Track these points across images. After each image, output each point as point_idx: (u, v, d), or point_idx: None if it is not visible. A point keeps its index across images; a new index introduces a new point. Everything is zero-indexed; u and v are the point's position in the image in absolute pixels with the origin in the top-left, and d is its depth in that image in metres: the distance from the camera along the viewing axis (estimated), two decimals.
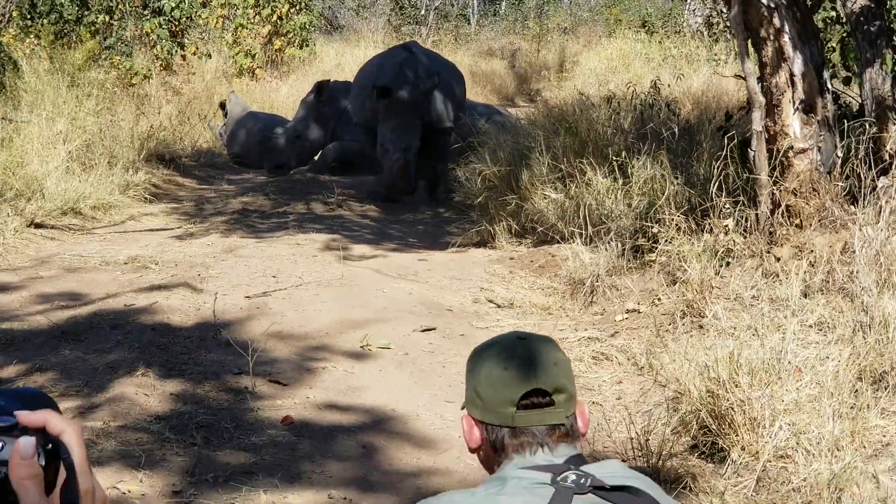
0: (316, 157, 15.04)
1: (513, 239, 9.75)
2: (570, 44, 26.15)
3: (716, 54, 17.72)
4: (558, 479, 2.35)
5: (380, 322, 7.39)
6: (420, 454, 5.38)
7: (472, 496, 2.36)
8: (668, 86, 12.78)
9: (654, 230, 8.03)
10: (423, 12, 29.70)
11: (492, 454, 2.48)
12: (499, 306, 7.92)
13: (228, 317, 7.36)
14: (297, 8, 21.95)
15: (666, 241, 7.83)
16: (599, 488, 2.33)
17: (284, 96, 19.14)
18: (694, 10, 22.48)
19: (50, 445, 1.30)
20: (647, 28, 21.98)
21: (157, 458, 5.07)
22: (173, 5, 18.26)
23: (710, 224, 7.68)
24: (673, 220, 7.97)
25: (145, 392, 5.87)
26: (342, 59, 22.68)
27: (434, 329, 7.35)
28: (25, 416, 1.34)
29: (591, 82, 16.73)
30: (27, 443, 1.29)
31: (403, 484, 5.04)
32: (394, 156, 12.26)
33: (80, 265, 8.82)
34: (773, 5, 7.29)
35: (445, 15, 30.86)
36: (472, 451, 2.53)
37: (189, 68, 19.45)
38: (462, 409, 2.53)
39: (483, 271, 9.00)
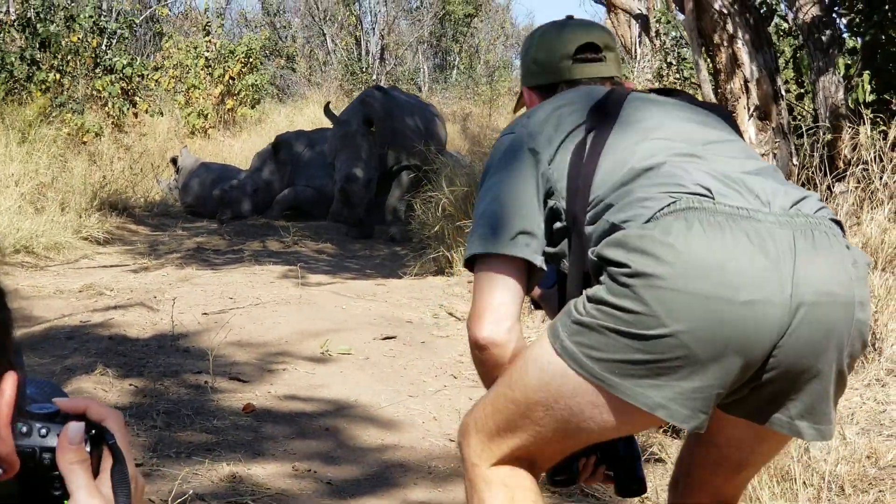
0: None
1: None
2: (522, 107, 26.37)
3: None
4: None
5: (339, 332, 7.37)
6: (384, 434, 5.35)
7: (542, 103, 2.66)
8: None
9: None
10: (374, 77, 29.94)
11: None
12: (458, 319, 7.93)
13: (186, 329, 7.31)
14: (249, 67, 22.07)
15: None
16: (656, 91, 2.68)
17: (237, 152, 19.18)
18: (644, 69, 22.77)
19: (93, 431, 1.31)
20: None
21: None
22: (125, 63, 18.30)
23: None
24: None
25: (104, 388, 5.81)
26: (293, 119, 22.76)
27: (394, 337, 7.34)
28: (66, 403, 1.34)
29: None
30: (76, 428, 1.29)
31: (367, 458, 5.01)
32: (337, 185, 12.72)
33: (34, 294, 8.72)
34: (725, 12, 7.44)
35: (397, 80, 31.11)
36: None
37: (141, 128, 19.46)
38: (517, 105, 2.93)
39: (442, 292, 9.02)
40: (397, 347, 7.15)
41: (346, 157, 12.75)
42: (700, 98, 7.87)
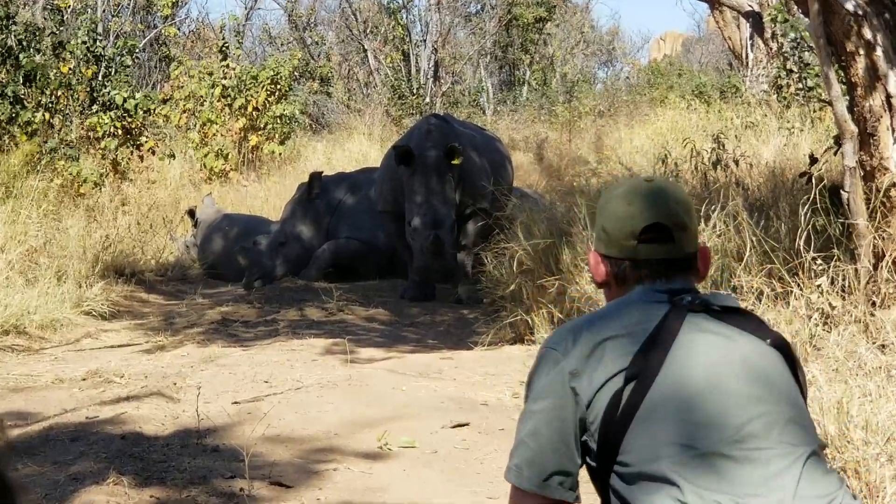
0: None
1: None
2: (608, 129, 26.41)
3: (788, 121, 17.88)
4: (674, 298, 3.14)
5: (400, 419, 7.41)
6: None
7: (592, 314, 3.25)
8: (737, 145, 12.91)
9: None
10: (427, 100, 30.13)
11: (615, 288, 3.28)
12: None
13: (214, 423, 7.36)
14: (276, 96, 22.29)
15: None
16: (711, 309, 3.10)
17: (264, 199, 19.34)
18: (758, 77, 22.74)
19: None
20: (703, 98, 22.27)
21: None
22: (126, 96, 18.51)
23: (798, 285, 7.71)
24: (752, 285, 8.01)
25: (118, 501, 5.87)
26: (332, 156, 22.94)
27: (467, 424, 7.36)
28: None
29: (639, 162, 16.90)
30: None
31: None
32: (423, 233, 12.73)
33: (28, 384, 8.82)
34: (860, 13, 7.41)
35: (455, 102, 31.30)
36: (598, 285, 3.35)
37: (148, 174, 19.67)
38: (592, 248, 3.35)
39: (522, 366, 9.01)
40: (471, 437, 7.16)
41: (427, 196, 12.89)
42: (835, 114, 7.86)
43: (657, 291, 3.18)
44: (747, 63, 23.76)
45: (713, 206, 9.16)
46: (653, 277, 3.22)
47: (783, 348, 3.13)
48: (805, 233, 7.71)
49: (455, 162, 12.87)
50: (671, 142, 17.97)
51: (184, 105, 22.64)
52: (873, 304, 7.54)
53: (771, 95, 20.33)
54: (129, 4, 26.73)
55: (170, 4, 27.74)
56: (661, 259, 3.23)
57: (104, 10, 24.56)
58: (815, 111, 17.75)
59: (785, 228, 8.64)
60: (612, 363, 3.03)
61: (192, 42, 32.16)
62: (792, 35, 18.60)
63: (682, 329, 3.06)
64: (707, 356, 3.03)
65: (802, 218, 7.81)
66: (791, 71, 19.08)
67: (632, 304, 3.18)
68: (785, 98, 19.07)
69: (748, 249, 8.43)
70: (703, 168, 11.08)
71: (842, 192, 7.69)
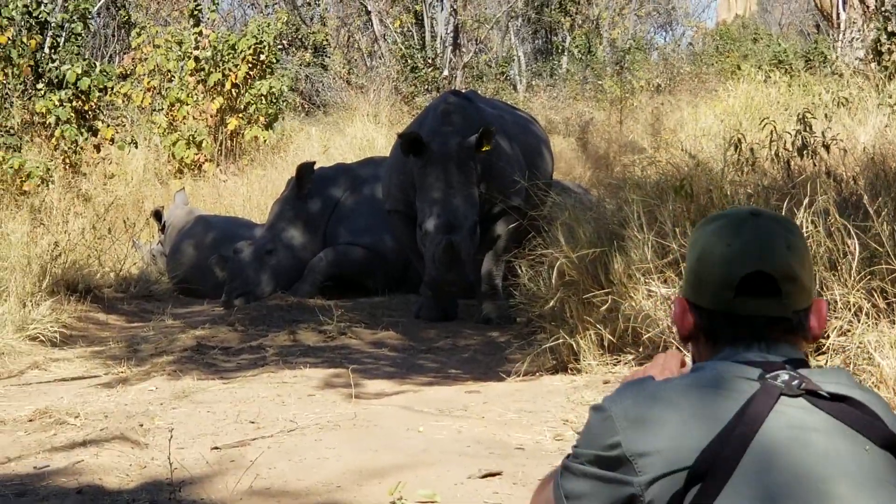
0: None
1: (606, 355, 9.78)
2: (667, 108, 26.40)
3: (891, 96, 17.85)
4: (767, 376, 2.99)
5: (417, 467, 7.41)
6: None
7: (665, 384, 3.05)
8: (827, 127, 12.91)
9: None
10: (444, 74, 30.09)
11: (703, 345, 3.18)
12: None
13: (190, 473, 7.38)
14: (260, 69, 22.28)
15: (840, 331, 7.85)
16: (813, 394, 2.91)
17: (246, 196, 19.34)
18: (852, 41, 22.73)
19: None
20: (784, 68, 22.25)
21: None
22: (79, 72, 18.51)
23: None
24: (849, 300, 8.01)
25: None
26: (330, 142, 22.93)
27: (499, 474, 7.36)
28: None
29: (706, 149, 16.90)
30: None
31: None
32: (435, 239, 12.58)
33: None
34: None
35: (480, 76, 31.26)
36: (683, 339, 3.24)
37: (105, 167, 19.66)
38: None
39: (566, 400, 9.04)
40: (504, 489, 7.16)
41: (443, 193, 12.76)
42: None
43: (749, 364, 3.02)
44: (839, 24, 23.75)
45: (799, 202, 9.16)
46: (749, 340, 3.07)
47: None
48: None
49: (485, 149, 12.72)
50: (745, 123, 17.99)
51: (148, 81, 22.65)
52: None
53: (869, 64, 20.31)
54: None
55: None
56: (763, 317, 3.08)
57: None
58: None
59: (889, 230, 8.63)
60: (676, 456, 2.90)
61: (158, 4, 32.21)
62: None
63: (769, 421, 2.91)
64: (794, 464, 2.89)
65: None
66: (894, 34, 19.06)
67: (712, 378, 3.03)
68: (886, 68, 19.05)
69: (843, 256, 8.43)
70: (785, 155, 11.05)
71: None
